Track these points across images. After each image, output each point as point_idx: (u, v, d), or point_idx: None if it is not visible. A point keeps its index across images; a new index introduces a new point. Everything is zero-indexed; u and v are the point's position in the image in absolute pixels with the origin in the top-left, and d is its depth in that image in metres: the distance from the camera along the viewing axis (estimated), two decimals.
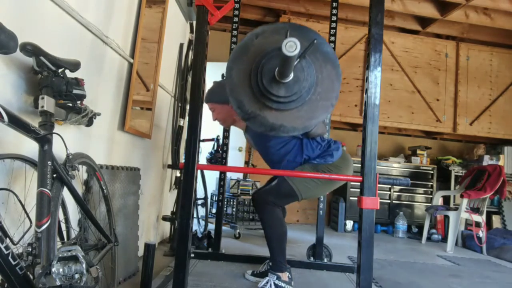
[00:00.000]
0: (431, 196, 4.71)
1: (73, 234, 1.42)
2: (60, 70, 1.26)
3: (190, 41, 3.33)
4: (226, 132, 2.79)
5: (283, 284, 1.93)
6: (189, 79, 3.13)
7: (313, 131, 1.93)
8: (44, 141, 1.13)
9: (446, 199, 4.63)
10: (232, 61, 1.43)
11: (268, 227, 1.95)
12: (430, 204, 4.53)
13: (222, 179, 2.85)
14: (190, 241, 1.55)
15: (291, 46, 1.10)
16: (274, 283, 1.92)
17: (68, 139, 1.30)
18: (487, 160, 4.67)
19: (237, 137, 4.53)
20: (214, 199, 3.97)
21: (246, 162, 4.80)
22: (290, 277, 2.03)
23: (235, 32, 2.80)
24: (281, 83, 1.31)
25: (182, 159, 3.22)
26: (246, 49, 1.42)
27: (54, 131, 1.17)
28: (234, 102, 1.39)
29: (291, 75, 1.31)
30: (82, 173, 1.64)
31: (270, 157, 2.12)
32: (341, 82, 1.43)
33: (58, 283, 0.99)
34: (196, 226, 3.49)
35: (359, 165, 1.54)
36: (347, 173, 2.06)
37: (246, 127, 2.15)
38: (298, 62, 1.31)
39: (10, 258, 0.87)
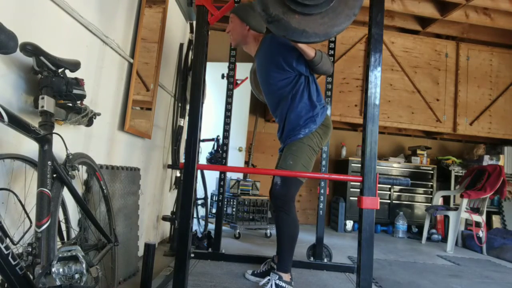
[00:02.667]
0: (431, 196, 4.71)
1: (73, 234, 1.42)
2: (60, 70, 1.26)
3: (190, 41, 3.33)
4: (226, 132, 2.80)
5: (284, 285, 1.93)
6: (189, 79, 3.13)
7: (320, 65, 1.90)
8: (44, 141, 1.13)
9: (446, 199, 4.63)
10: None
11: (283, 227, 1.96)
12: (430, 204, 4.53)
13: (222, 179, 2.85)
14: (190, 241, 1.56)
15: None
16: (276, 283, 1.92)
17: (68, 139, 1.30)
18: (487, 160, 4.67)
19: (237, 137, 4.54)
20: (214, 199, 3.97)
21: (246, 162, 4.80)
22: (291, 278, 2.03)
23: None
24: None
25: (182, 159, 3.22)
26: None
27: (54, 131, 1.17)
28: (259, 3, 1.38)
29: None
30: (82, 173, 1.64)
31: (270, 88, 2.09)
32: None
33: (58, 283, 0.99)
34: (196, 226, 3.49)
35: (359, 165, 1.54)
36: (326, 138, 2.07)
37: (256, 50, 2.12)
38: None
39: (10, 258, 0.87)
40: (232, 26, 2.14)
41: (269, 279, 1.93)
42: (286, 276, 1.95)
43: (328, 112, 2.71)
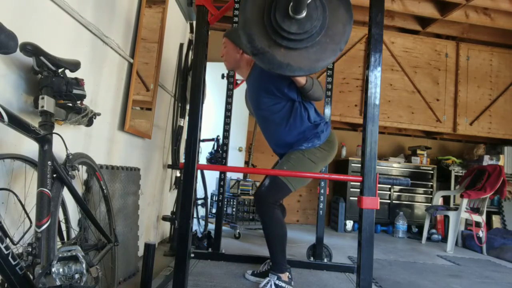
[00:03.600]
0: (431, 196, 4.71)
1: (73, 234, 1.42)
2: (60, 70, 1.26)
3: (190, 41, 3.33)
4: (226, 132, 2.80)
5: (283, 284, 1.93)
6: (189, 79, 3.13)
7: (311, 93, 1.90)
8: (44, 141, 1.13)
9: (446, 199, 4.63)
10: None
11: (269, 228, 1.95)
12: (430, 204, 4.53)
13: (222, 179, 2.85)
14: (190, 241, 1.56)
15: None
16: (275, 283, 1.92)
17: (68, 139, 1.30)
18: (487, 160, 4.67)
19: (237, 137, 4.54)
20: (214, 199, 3.97)
21: (246, 162, 4.80)
22: (290, 277, 2.03)
23: None
24: (294, 19, 1.31)
25: (182, 159, 3.22)
26: None
27: (54, 131, 1.17)
28: (244, 36, 1.38)
29: (304, 12, 1.31)
30: (82, 173, 1.64)
31: (261, 112, 2.09)
32: (352, 21, 1.42)
33: (58, 283, 0.99)
34: (196, 226, 3.49)
35: (359, 165, 1.54)
36: (332, 154, 2.07)
37: (248, 76, 2.12)
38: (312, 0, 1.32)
39: (10, 258, 0.87)
40: (226, 51, 2.14)
41: (268, 280, 1.94)
42: (284, 276, 1.95)
43: (328, 112, 2.72)
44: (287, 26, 1.32)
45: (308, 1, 1.28)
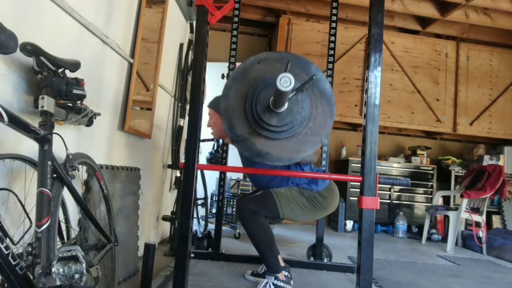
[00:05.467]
0: (431, 196, 4.71)
1: (73, 234, 1.42)
2: (60, 70, 1.26)
3: (190, 41, 3.33)
4: None
5: (281, 284, 1.93)
6: (189, 79, 3.13)
7: (303, 159, 1.91)
8: (44, 141, 1.13)
9: (446, 199, 4.63)
10: (231, 80, 1.44)
11: (253, 234, 1.94)
12: (430, 204, 4.53)
13: (222, 179, 2.85)
14: (190, 241, 1.55)
15: (286, 82, 1.13)
16: (273, 283, 1.92)
17: (68, 139, 1.30)
18: (487, 160, 4.67)
19: None
20: (214, 199, 3.96)
21: None
22: (288, 276, 2.03)
23: (235, 32, 2.80)
24: (274, 112, 1.32)
25: (182, 159, 3.22)
26: (246, 72, 1.43)
27: (54, 131, 1.17)
28: (225, 122, 1.41)
29: (285, 106, 1.32)
30: (82, 173, 1.64)
31: (257, 182, 2.12)
32: (334, 116, 1.43)
33: (58, 283, 0.99)
34: (196, 226, 3.49)
35: (359, 165, 1.54)
36: (332, 205, 2.05)
37: None
38: (294, 94, 1.33)
39: (10, 258, 0.87)
40: (212, 121, 2.15)
41: (266, 281, 1.94)
42: (280, 275, 1.95)
43: None
44: (267, 118, 1.33)
45: (289, 96, 1.27)
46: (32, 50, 1.14)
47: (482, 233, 3.75)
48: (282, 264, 2.07)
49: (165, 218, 2.89)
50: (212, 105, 2.16)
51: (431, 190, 4.76)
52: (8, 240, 0.89)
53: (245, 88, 1.40)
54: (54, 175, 1.17)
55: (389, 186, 4.70)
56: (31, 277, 0.97)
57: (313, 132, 1.39)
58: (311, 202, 1.99)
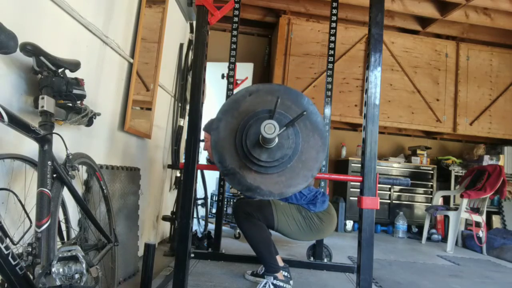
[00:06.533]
0: (431, 196, 4.71)
1: (73, 234, 1.42)
2: (60, 70, 1.26)
3: (190, 41, 3.33)
4: None
5: (281, 283, 1.93)
6: (189, 79, 3.13)
7: None
8: (44, 141, 1.13)
9: (446, 199, 4.63)
10: (222, 113, 1.43)
11: (250, 236, 1.95)
12: (430, 204, 4.53)
13: (222, 179, 2.84)
14: (190, 241, 1.55)
15: (270, 128, 1.14)
16: (273, 283, 1.92)
17: (68, 139, 1.30)
18: (487, 160, 4.67)
19: None
20: (214, 199, 3.96)
21: None
22: (288, 275, 2.03)
23: (235, 32, 2.80)
24: (264, 147, 1.31)
25: (182, 159, 3.22)
26: (237, 104, 1.42)
27: (54, 131, 1.17)
28: (215, 155, 1.40)
29: (275, 141, 1.31)
30: (82, 173, 1.64)
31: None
32: (326, 150, 1.42)
33: (58, 283, 0.99)
34: (196, 226, 3.49)
35: (359, 165, 1.54)
36: (328, 229, 2.04)
37: None
38: (284, 129, 1.32)
39: (10, 258, 0.87)
40: (208, 145, 2.15)
41: (266, 282, 1.94)
42: (279, 275, 1.96)
43: (328, 112, 2.72)
44: (257, 153, 1.32)
45: (279, 132, 1.26)
46: (32, 50, 1.14)
47: (482, 233, 3.75)
48: (281, 264, 2.07)
49: (165, 218, 2.89)
50: (207, 128, 2.16)
51: (431, 190, 4.76)
52: (8, 240, 0.89)
53: (236, 120, 1.39)
54: (54, 175, 1.17)
55: (389, 186, 4.69)
56: (31, 277, 0.97)
57: (305, 166, 1.37)
58: (307, 222, 1.98)
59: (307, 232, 2.00)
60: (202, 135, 2.20)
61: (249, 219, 1.93)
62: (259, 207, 1.97)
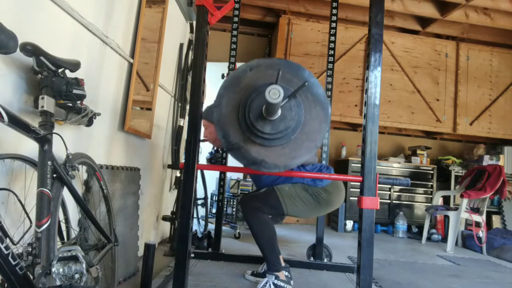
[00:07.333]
0: (431, 196, 4.71)
1: (73, 234, 1.42)
2: (60, 70, 1.26)
3: (190, 41, 3.33)
4: None
5: (282, 284, 1.93)
6: (189, 79, 3.13)
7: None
8: (44, 141, 1.13)
9: (446, 199, 4.63)
10: (224, 89, 1.43)
11: (256, 231, 1.95)
12: (430, 204, 4.53)
13: (222, 179, 2.85)
14: (190, 241, 1.55)
15: (275, 94, 1.13)
16: (273, 283, 1.92)
17: (68, 139, 1.30)
18: (487, 160, 4.67)
19: None
20: (214, 199, 3.96)
21: None
22: (288, 276, 2.03)
23: (235, 32, 2.80)
24: (267, 119, 1.31)
25: (182, 159, 3.22)
26: (238, 80, 1.42)
27: (54, 131, 1.17)
28: (219, 131, 1.40)
29: (278, 113, 1.31)
30: (82, 173, 1.64)
31: (261, 183, 2.12)
32: (329, 121, 1.42)
33: (58, 283, 0.99)
34: (196, 226, 3.49)
35: (359, 165, 1.54)
36: (337, 200, 2.05)
37: None
38: (287, 101, 1.32)
39: (10, 258, 0.87)
40: (208, 132, 2.16)
41: (267, 280, 1.94)
42: (281, 274, 1.96)
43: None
44: (260, 126, 1.32)
45: (282, 104, 1.26)
46: (32, 50, 1.14)
47: (482, 233, 3.75)
48: (283, 264, 2.07)
49: (165, 218, 2.89)
50: (205, 115, 2.16)
51: (431, 190, 4.76)
52: (8, 240, 0.89)
53: (237, 96, 1.39)
54: (54, 175, 1.17)
55: (389, 186, 4.70)
56: (31, 277, 0.97)
57: (308, 138, 1.37)
58: (315, 198, 1.99)
59: (317, 207, 2.01)
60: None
61: (257, 214, 1.94)
62: (265, 198, 1.98)
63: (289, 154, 1.37)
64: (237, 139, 1.38)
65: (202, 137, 2.16)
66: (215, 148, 3.48)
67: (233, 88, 1.41)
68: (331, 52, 2.71)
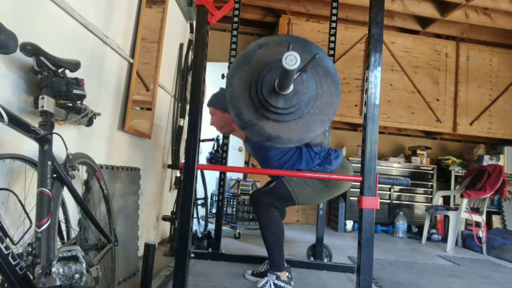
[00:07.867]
0: (431, 196, 4.71)
1: (73, 234, 1.42)
2: (60, 70, 1.26)
3: (190, 41, 3.33)
4: None
5: (282, 284, 1.93)
6: (189, 79, 3.13)
7: (312, 140, 1.94)
8: (44, 141, 1.13)
9: (446, 199, 4.63)
10: (234, 69, 1.43)
11: (265, 228, 1.96)
12: (430, 204, 4.53)
13: (222, 179, 2.85)
14: (190, 241, 1.55)
15: (292, 60, 1.11)
16: (274, 283, 1.92)
17: (68, 139, 1.30)
18: (487, 160, 4.67)
19: (237, 138, 4.54)
20: (214, 199, 3.96)
21: (246, 162, 4.80)
22: (289, 276, 2.03)
23: (235, 32, 2.80)
24: (280, 94, 1.32)
25: (182, 159, 3.22)
26: (248, 58, 1.43)
27: (54, 131, 1.17)
28: (232, 109, 1.40)
29: (291, 88, 1.31)
30: (82, 173, 1.64)
31: (270, 167, 2.13)
32: (340, 94, 1.43)
33: (58, 283, 0.99)
34: (196, 226, 3.49)
35: (359, 165, 1.54)
36: (346, 182, 2.07)
37: (246, 137, 2.15)
38: (298, 75, 1.32)
39: (10, 258, 0.87)
40: (215, 119, 2.17)
41: (267, 280, 1.94)
42: (282, 275, 1.96)
43: None
44: (274, 101, 1.32)
45: (294, 77, 1.26)
46: (32, 50, 1.14)
47: (482, 233, 3.75)
48: (285, 264, 2.07)
49: (165, 218, 2.89)
50: (211, 103, 2.17)
51: (431, 190, 4.76)
52: (8, 240, 0.89)
53: (248, 74, 1.40)
54: (54, 175, 1.17)
55: (389, 186, 4.70)
56: (31, 277, 0.97)
57: (321, 111, 1.38)
58: (324, 182, 2.00)
59: (327, 192, 2.03)
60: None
61: (269, 211, 1.95)
62: (275, 192, 1.99)
63: (303, 129, 1.38)
64: (250, 117, 1.38)
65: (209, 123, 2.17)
66: (215, 148, 3.48)
67: (244, 66, 1.41)
68: (331, 52, 2.70)
